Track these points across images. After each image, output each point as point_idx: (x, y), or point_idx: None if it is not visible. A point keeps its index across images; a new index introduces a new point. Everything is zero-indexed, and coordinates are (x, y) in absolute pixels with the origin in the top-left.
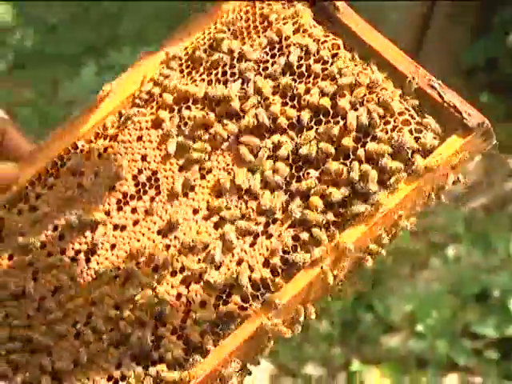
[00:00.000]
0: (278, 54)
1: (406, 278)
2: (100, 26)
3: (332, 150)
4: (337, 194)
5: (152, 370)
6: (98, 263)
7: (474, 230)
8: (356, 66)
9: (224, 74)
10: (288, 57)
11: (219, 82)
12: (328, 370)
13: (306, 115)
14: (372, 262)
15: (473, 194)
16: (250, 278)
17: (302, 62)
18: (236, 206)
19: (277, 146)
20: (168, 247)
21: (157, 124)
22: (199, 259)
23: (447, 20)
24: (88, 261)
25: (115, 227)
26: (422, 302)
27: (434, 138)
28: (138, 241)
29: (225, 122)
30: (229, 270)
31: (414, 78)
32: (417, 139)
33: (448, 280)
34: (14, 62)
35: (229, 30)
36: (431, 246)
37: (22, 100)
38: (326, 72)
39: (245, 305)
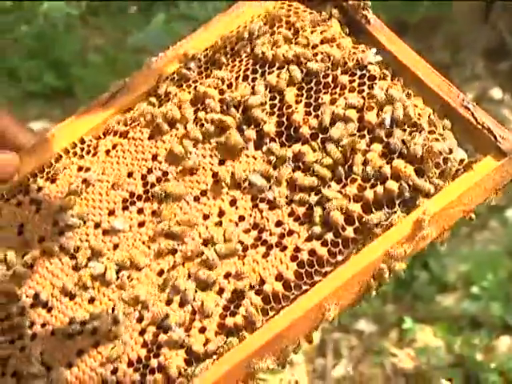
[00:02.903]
0: (303, 62)
1: (464, 238)
2: None
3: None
4: (357, 208)
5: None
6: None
7: None
8: (385, 80)
9: (245, 78)
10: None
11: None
12: (380, 327)
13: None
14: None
15: None
16: (259, 291)
17: (329, 72)
18: (250, 215)
19: (297, 156)
20: (175, 252)
21: (171, 124)
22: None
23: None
24: (89, 259)
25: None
26: (478, 262)
27: (462, 160)
28: (143, 243)
29: (243, 127)
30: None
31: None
32: (445, 160)
33: (505, 242)
34: (87, 8)
35: (253, 34)
36: (490, 208)
37: (93, 46)
38: (353, 84)
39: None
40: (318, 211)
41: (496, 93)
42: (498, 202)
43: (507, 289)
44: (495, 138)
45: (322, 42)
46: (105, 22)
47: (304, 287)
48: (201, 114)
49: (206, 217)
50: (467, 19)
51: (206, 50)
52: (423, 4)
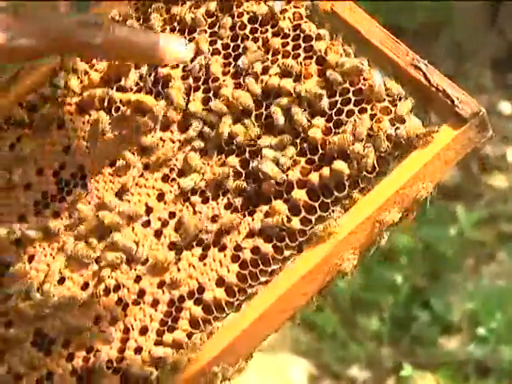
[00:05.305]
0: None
1: (469, 272)
2: None
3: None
4: (302, 196)
5: None
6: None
7: None
8: (323, 40)
9: None
10: (240, 29)
11: None
12: (375, 374)
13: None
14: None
15: None
16: (199, 300)
17: (258, 35)
18: (181, 211)
19: (231, 137)
20: (98, 261)
21: (83, 109)
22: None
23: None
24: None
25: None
26: (485, 300)
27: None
28: (60, 251)
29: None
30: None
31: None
32: (398, 132)
33: None
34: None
35: None
36: (499, 237)
37: None
38: (287, 47)
39: (195, 331)
40: (257, 202)
41: (505, 107)
42: (507, 230)
43: None
44: (452, 102)
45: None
46: None
47: (249, 290)
48: (117, 95)
49: (131, 217)
50: (472, 24)
51: (112, 18)
52: (422, 7)
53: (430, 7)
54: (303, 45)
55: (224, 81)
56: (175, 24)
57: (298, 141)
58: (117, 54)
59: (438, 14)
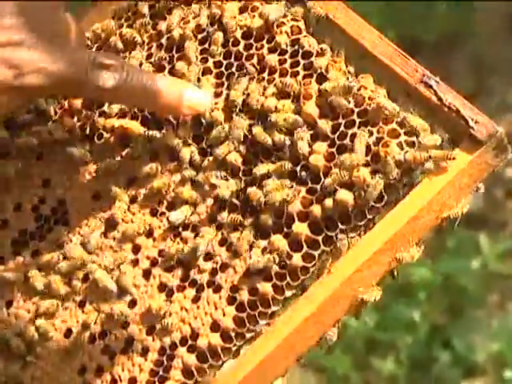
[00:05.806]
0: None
1: (494, 308)
2: None
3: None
4: (304, 229)
5: None
6: None
7: None
8: (324, 55)
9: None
10: (233, 46)
11: None
12: None
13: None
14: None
15: None
16: (192, 347)
17: (253, 51)
18: (171, 247)
19: (223, 166)
20: (82, 305)
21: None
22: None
23: None
24: None
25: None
26: None
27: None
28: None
29: (150, 133)
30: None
31: None
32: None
33: None
34: None
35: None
36: None
37: None
38: (284, 65)
39: (189, 382)
40: (255, 237)
41: None
42: None
43: None
44: (466, 122)
45: (240, 12)
46: None
47: (248, 335)
48: (99, 120)
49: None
50: (495, 34)
51: (95, 30)
52: (440, 16)
53: (448, 16)
54: (302, 62)
55: (216, 103)
56: (162, 41)
57: (297, 168)
58: (130, 101)
59: (457, 23)
